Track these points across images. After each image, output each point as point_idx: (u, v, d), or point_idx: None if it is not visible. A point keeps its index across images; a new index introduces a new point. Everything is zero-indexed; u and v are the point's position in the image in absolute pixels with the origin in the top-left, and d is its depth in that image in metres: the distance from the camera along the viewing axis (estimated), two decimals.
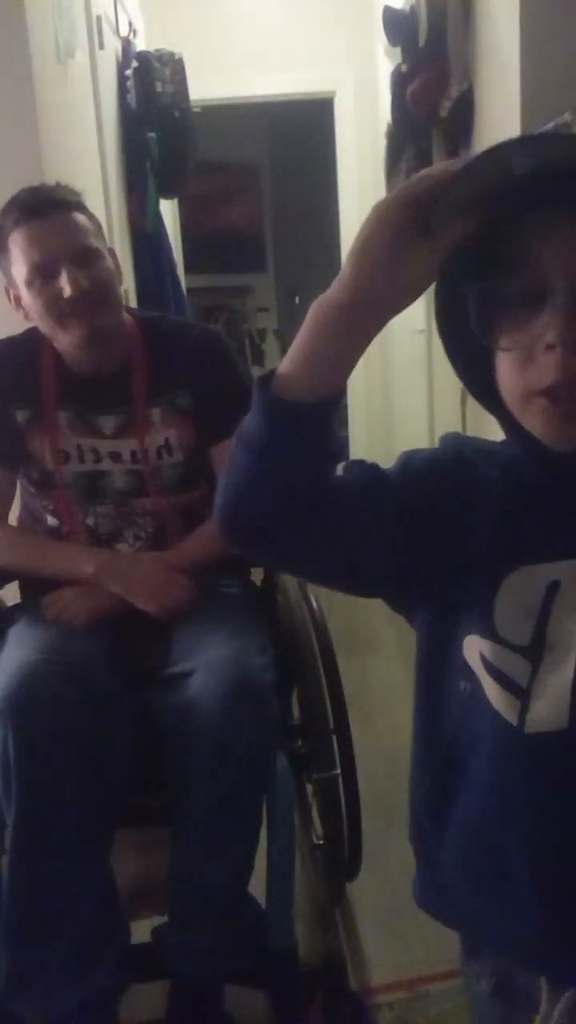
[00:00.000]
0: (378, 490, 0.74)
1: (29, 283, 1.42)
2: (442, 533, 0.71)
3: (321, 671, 1.58)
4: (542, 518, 0.70)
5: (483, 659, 0.70)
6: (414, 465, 0.78)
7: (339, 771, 1.53)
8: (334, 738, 1.56)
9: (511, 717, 0.68)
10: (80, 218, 1.45)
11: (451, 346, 0.74)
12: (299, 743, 1.62)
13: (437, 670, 0.74)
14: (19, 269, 1.43)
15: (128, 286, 3.18)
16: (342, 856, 1.62)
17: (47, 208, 1.42)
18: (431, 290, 0.72)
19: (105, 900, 1.32)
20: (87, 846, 1.29)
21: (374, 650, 2.86)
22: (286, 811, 1.41)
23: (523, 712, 0.67)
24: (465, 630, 0.71)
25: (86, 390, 1.53)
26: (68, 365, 1.53)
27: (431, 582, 0.73)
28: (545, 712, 0.66)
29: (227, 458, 1.33)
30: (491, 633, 0.69)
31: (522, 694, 0.67)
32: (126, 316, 1.56)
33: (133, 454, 1.52)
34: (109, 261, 1.48)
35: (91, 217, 1.49)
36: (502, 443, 0.76)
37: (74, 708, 1.26)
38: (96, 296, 1.44)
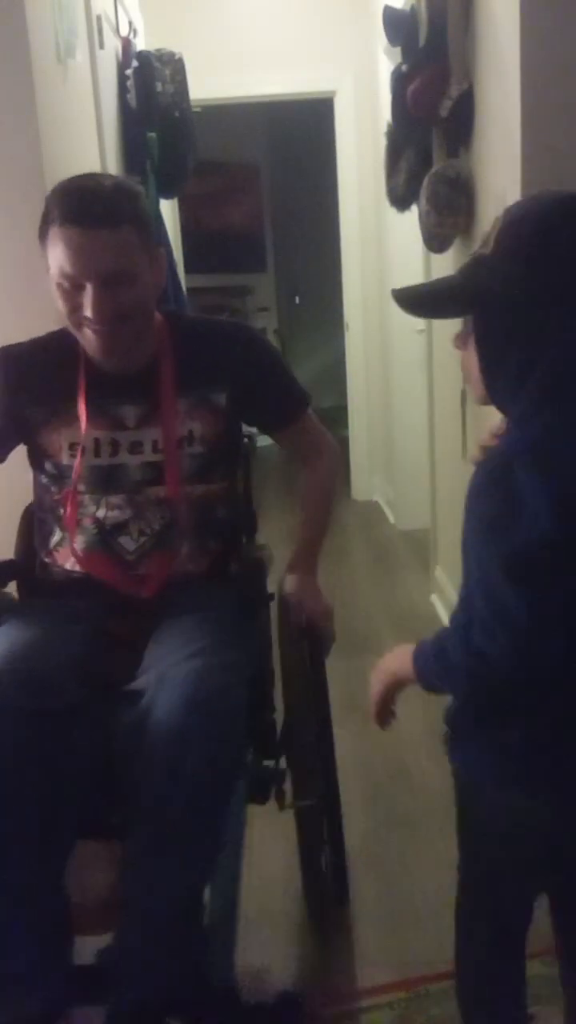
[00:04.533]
0: None
1: (58, 283, 1.39)
2: None
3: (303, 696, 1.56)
4: None
5: None
6: None
7: (312, 802, 1.47)
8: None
9: None
10: (125, 234, 1.37)
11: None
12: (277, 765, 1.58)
13: None
14: (52, 263, 1.39)
15: None
16: (321, 887, 1.59)
17: (92, 220, 1.34)
18: None
19: (54, 917, 1.25)
20: (39, 859, 1.23)
21: (374, 650, 2.86)
22: (233, 844, 1.33)
23: None
24: None
25: (112, 384, 1.51)
26: (98, 362, 1.51)
27: None
28: None
29: (304, 439, 1.70)
30: None
31: None
32: (156, 314, 1.54)
33: (155, 444, 1.51)
34: (146, 278, 1.42)
35: (142, 226, 1.41)
36: None
37: (34, 719, 1.23)
38: (119, 317, 1.40)
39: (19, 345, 1.58)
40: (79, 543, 1.51)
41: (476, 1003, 1.30)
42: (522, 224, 0.97)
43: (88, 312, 1.38)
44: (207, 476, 1.55)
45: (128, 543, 1.51)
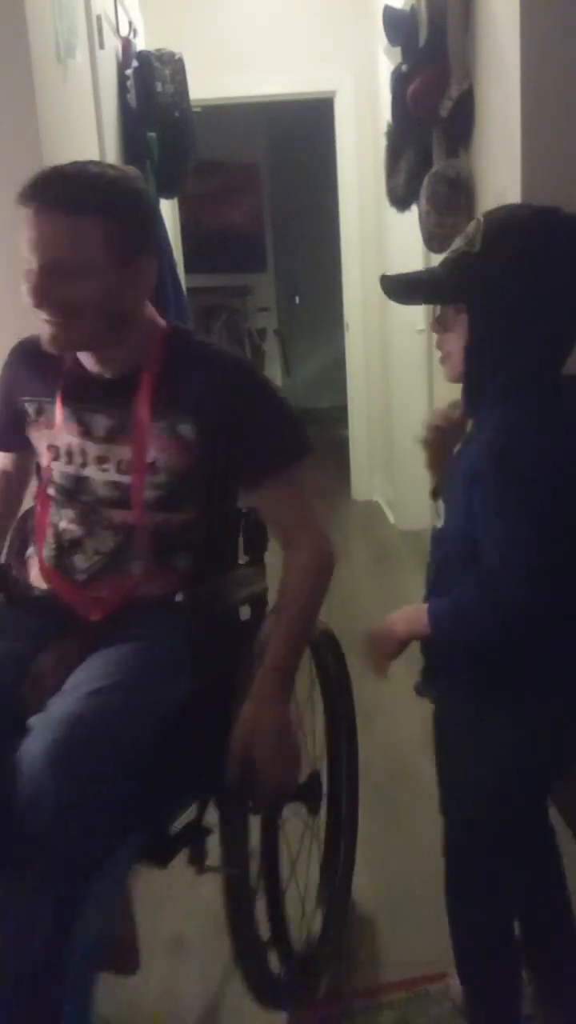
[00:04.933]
0: None
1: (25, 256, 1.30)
2: None
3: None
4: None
5: None
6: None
7: (239, 871, 1.30)
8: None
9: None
10: (87, 225, 1.25)
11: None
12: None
13: None
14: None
15: None
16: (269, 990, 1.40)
17: (48, 201, 1.25)
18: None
19: None
20: None
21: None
22: (90, 944, 1.13)
23: None
24: None
25: (88, 388, 1.42)
26: (82, 362, 1.43)
27: None
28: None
29: (290, 512, 1.43)
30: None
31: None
32: (157, 322, 1.44)
33: (119, 463, 1.39)
34: (108, 279, 1.28)
35: (117, 223, 1.28)
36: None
37: None
38: (67, 311, 1.29)
39: (31, 339, 1.49)
40: (44, 555, 1.43)
41: (480, 978, 1.38)
42: (507, 229, 1.15)
43: (26, 295, 1.28)
44: (170, 506, 1.40)
45: (80, 562, 1.40)
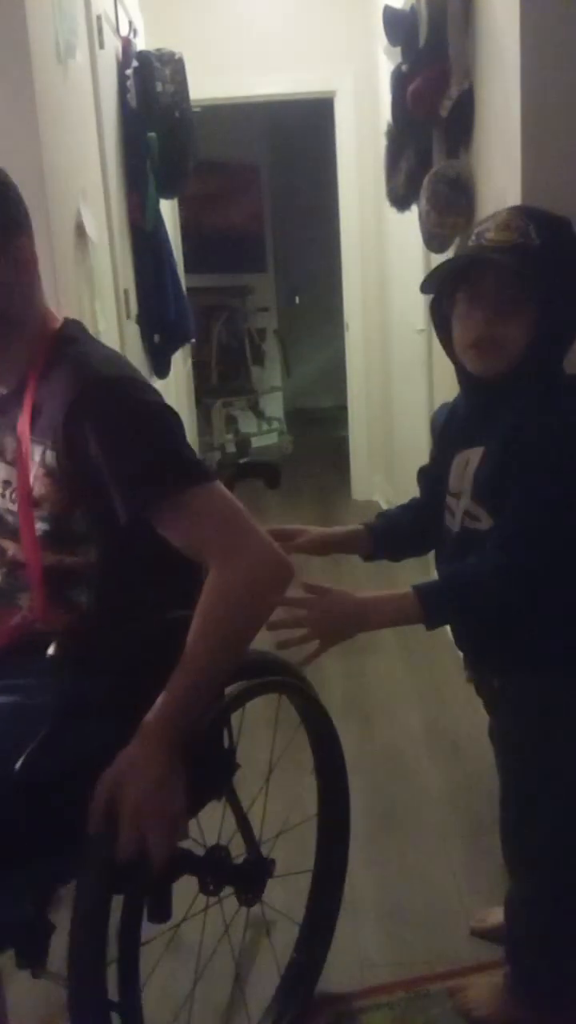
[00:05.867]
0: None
1: None
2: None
3: None
4: (465, 425, 1.32)
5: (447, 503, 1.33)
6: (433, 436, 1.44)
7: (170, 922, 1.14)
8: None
9: (451, 524, 1.32)
10: None
11: (437, 326, 1.31)
12: None
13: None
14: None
15: (128, 286, 3.18)
16: None
17: None
18: (430, 297, 1.31)
19: None
20: None
21: (374, 650, 2.86)
22: None
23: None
24: (442, 493, 1.34)
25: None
26: None
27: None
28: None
29: (198, 527, 1.11)
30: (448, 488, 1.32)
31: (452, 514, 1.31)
32: (49, 321, 1.25)
33: (12, 487, 1.21)
34: None
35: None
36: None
37: None
38: None
39: None
40: None
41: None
42: (552, 224, 1.19)
43: None
44: (59, 547, 1.19)
45: None
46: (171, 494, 1.11)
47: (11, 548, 1.23)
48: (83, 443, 1.11)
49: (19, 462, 1.18)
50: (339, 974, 1.59)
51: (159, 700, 1.08)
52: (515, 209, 1.21)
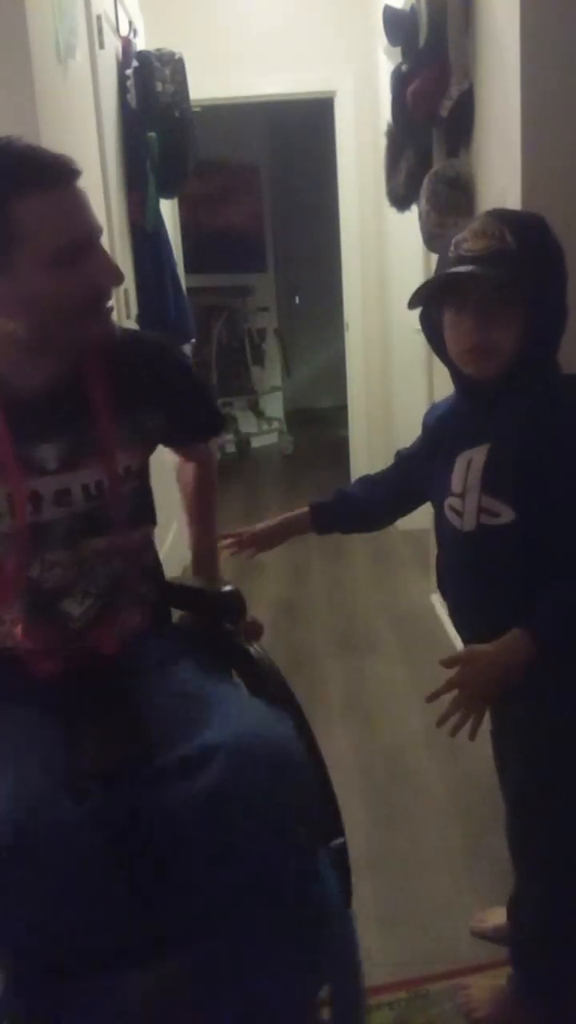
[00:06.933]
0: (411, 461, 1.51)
1: (55, 262, 1.12)
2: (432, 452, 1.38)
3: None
4: (464, 426, 1.32)
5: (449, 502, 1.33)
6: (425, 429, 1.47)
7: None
8: None
9: (458, 524, 1.30)
10: None
11: (428, 333, 1.32)
12: None
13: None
14: (33, 247, 1.11)
15: (128, 286, 3.18)
16: None
17: (67, 175, 1.13)
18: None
19: None
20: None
21: (374, 650, 2.86)
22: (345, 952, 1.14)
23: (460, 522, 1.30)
24: (442, 495, 1.33)
25: (25, 414, 1.22)
26: (12, 385, 1.23)
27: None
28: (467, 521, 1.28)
29: (199, 448, 1.54)
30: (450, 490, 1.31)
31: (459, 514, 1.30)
32: None
33: (86, 488, 1.26)
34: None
35: None
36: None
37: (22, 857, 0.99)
38: None
39: None
40: (19, 611, 1.29)
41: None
42: (525, 226, 1.20)
43: (111, 275, 1.19)
44: (141, 516, 1.38)
45: (73, 609, 1.29)
46: (218, 431, 1.57)
47: (102, 543, 1.30)
48: (183, 389, 1.38)
49: (105, 447, 1.27)
50: None
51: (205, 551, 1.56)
52: (488, 215, 1.22)
